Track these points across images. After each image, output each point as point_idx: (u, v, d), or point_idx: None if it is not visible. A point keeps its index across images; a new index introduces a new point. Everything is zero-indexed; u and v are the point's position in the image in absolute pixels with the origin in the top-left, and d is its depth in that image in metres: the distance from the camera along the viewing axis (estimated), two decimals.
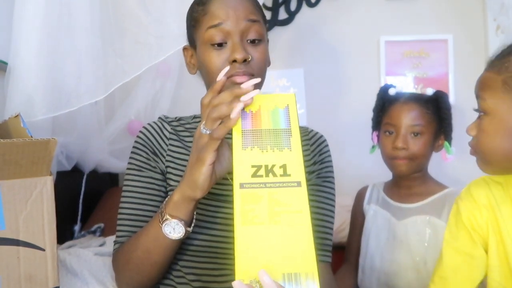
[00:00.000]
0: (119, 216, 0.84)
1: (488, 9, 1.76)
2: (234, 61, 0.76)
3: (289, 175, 0.56)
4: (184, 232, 0.70)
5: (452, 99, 1.79)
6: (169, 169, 0.84)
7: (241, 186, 0.55)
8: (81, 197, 1.59)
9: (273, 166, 0.57)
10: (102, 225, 1.48)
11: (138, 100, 1.62)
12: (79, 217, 1.57)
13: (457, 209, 0.84)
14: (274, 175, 0.56)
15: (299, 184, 0.56)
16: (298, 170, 0.57)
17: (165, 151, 0.86)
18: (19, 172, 0.70)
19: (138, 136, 0.88)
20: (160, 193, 0.84)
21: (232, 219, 0.79)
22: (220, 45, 0.78)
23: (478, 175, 1.70)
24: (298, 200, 0.55)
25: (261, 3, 1.67)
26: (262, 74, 0.81)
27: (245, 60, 0.76)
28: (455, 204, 0.86)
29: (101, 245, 1.22)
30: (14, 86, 1.08)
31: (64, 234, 1.41)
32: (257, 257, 0.51)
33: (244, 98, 0.61)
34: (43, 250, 0.73)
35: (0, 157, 0.67)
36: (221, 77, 0.69)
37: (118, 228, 0.84)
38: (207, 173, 0.64)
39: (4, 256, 0.69)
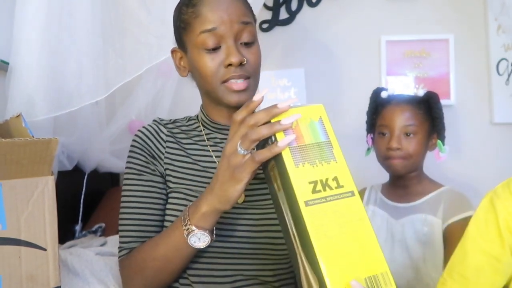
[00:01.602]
0: (122, 222, 0.83)
1: (489, 9, 1.76)
2: (230, 64, 0.76)
3: (342, 186, 0.58)
4: (209, 240, 0.71)
5: (453, 99, 1.79)
6: (168, 171, 0.84)
7: (306, 204, 0.55)
8: (82, 197, 1.59)
9: (326, 179, 0.57)
10: (103, 225, 1.49)
11: (139, 100, 1.62)
12: (80, 217, 1.57)
13: (492, 207, 0.79)
14: (330, 188, 0.57)
15: (352, 193, 0.58)
16: (348, 180, 0.59)
17: (163, 154, 0.85)
18: (21, 172, 0.70)
19: (134, 140, 0.87)
20: (161, 196, 0.83)
21: (235, 218, 0.80)
22: (214, 49, 0.77)
23: (475, 173, 1.70)
24: (356, 209, 0.57)
25: (262, 3, 1.68)
26: (256, 75, 0.82)
27: (240, 63, 0.76)
28: (487, 201, 0.81)
29: (102, 245, 1.23)
30: (15, 86, 1.09)
31: (65, 234, 1.41)
32: (341, 268, 0.54)
33: (285, 121, 0.58)
34: (45, 250, 0.73)
35: (2, 157, 0.67)
36: (259, 97, 0.63)
37: (122, 234, 0.82)
38: (241, 190, 0.64)
39: (5, 255, 0.69)
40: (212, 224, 0.70)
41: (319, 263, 0.53)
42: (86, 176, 1.60)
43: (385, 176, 1.31)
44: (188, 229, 0.69)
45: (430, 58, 1.85)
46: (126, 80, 1.22)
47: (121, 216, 0.83)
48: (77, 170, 1.56)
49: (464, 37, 1.83)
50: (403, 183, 1.24)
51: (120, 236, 0.82)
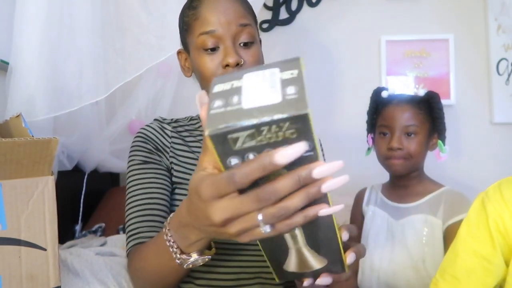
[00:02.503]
0: (128, 212, 0.80)
1: (489, 9, 1.76)
2: (227, 65, 0.77)
3: None
4: (210, 257, 0.61)
5: (453, 99, 1.79)
6: (173, 165, 0.84)
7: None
8: (82, 197, 1.59)
9: None
10: (103, 224, 1.49)
11: (139, 100, 1.62)
12: (80, 217, 1.57)
13: (483, 209, 0.79)
14: None
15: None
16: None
17: (168, 148, 0.85)
18: (21, 172, 0.70)
19: (137, 136, 0.87)
20: (168, 185, 0.83)
21: None
22: (213, 49, 0.79)
23: (475, 173, 1.70)
24: None
25: (262, 3, 1.68)
26: None
27: (237, 64, 0.78)
28: (479, 202, 0.81)
29: (102, 245, 1.23)
30: (16, 86, 1.09)
31: (65, 234, 1.41)
32: None
33: (327, 187, 0.41)
34: (45, 249, 0.73)
35: (2, 157, 0.67)
36: (282, 159, 0.38)
37: (129, 222, 0.79)
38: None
39: (5, 255, 0.69)
40: (208, 243, 0.59)
41: (342, 253, 0.52)
42: (86, 176, 1.60)
43: (385, 176, 1.31)
44: (180, 259, 0.59)
45: (430, 58, 1.85)
46: (126, 80, 1.22)
47: (126, 207, 0.81)
48: (77, 170, 1.56)
49: (464, 37, 1.83)
50: (404, 183, 1.24)
51: (127, 226, 0.79)
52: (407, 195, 1.22)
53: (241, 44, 0.80)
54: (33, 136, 0.73)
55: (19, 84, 1.09)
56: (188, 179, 0.82)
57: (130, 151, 0.86)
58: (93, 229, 1.47)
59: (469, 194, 1.19)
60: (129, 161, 0.85)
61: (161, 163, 0.84)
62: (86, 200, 1.60)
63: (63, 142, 1.32)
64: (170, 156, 0.85)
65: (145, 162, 0.83)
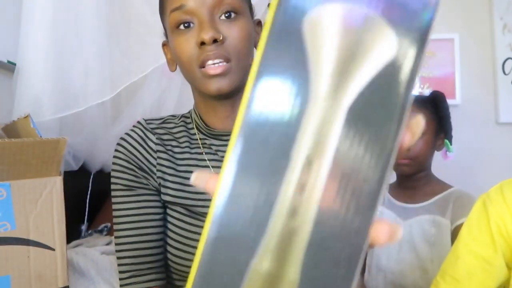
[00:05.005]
0: (119, 249, 0.69)
1: (494, 8, 1.76)
2: (203, 42, 0.62)
3: None
4: None
5: (458, 99, 1.79)
6: (160, 186, 0.71)
7: None
8: (88, 196, 1.60)
9: None
10: (108, 224, 1.49)
11: (144, 100, 1.62)
12: (86, 217, 1.58)
13: (484, 210, 0.78)
14: None
15: None
16: None
17: (155, 167, 0.71)
18: (29, 172, 0.70)
19: (117, 151, 0.71)
20: (158, 210, 0.71)
21: None
22: (187, 27, 0.64)
23: (480, 173, 1.69)
24: None
25: (267, 3, 1.67)
26: (241, 57, 0.64)
27: (216, 41, 0.61)
28: (480, 204, 0.81)
29: (107, 244, 1.23)
30: (22, 86, 1.09)
31: (71, 234, 1.42)
32: None
33: None
34: (53, 249, 0.73)
35: (11, 157, 0.68)
36: None
37: (121, 263, 0.69)
38: None
39: (14, 255, 0.70)
40: None
41: None
42: (92, 176, 1.61)
43: (392, 176, 1.31)
44: None
45: (435, 58, 1.84)
46: (131, 80, 1.23)
47: (117, 242, 0.70)
48: (83, 170, 1.57)
49: (469, 36, 1.83)
50: (411, 183, 1.23)
51: (119, 265, 0.69)
52: (414, 195, 1.22)
53: (222, 17, 0.63)
54: (41, 137, 0.73)
55: (25, 85, 1.09)
56: (181, 197, 0.70)
57: (112, 168, 0.71)
58: (99, 228, 1.48)
59: (473, 193, 1.19)
60: (112, 183, 0.71)
61: (149, 186, 0.70)
62: (92, 200, 1.61)
63: (69, 142, 1.32)
64: (158, 177, 0.70)
65: (130, 188, 0.70)
